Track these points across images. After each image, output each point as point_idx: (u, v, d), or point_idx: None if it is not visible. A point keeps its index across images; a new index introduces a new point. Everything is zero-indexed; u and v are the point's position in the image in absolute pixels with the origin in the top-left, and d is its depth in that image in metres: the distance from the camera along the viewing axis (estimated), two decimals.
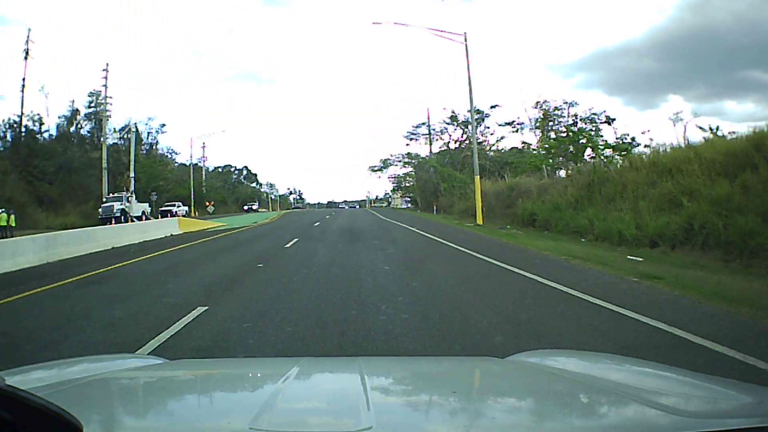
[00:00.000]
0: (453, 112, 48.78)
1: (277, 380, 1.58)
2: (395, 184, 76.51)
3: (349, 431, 1.16)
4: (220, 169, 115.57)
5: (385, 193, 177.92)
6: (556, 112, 40.28)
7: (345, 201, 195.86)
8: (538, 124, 42.81)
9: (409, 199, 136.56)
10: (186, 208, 48.11)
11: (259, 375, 1.94)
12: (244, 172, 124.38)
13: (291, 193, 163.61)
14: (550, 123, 42.04)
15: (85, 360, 2.23)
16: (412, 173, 70.87)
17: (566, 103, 39.45)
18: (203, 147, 64.34)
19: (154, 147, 67.08)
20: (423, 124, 51.53)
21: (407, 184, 74.23)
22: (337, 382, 1.81)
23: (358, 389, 1.49)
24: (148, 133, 63.72)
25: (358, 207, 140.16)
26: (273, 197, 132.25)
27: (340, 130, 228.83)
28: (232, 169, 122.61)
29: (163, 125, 62.84)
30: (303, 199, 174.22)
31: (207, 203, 52.77)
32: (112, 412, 1.44)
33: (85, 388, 1.59)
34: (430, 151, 50.77)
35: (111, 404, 1.51)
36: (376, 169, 55.06)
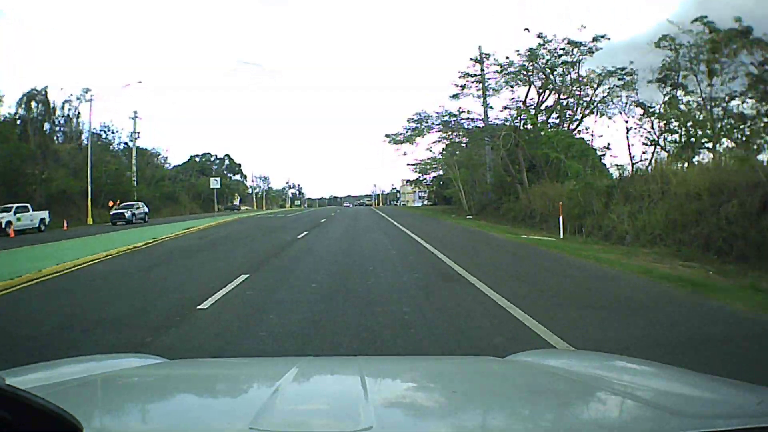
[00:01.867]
0: (541, 36, 24.29)
1: (276, 380, 1.56)
2: (419, 174, 51.98)
3: (349, 431, 1.14)
4: (197, 158, 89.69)
5: (392, 188, 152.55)
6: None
7: (349, 196, 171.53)
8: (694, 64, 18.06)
9: (423, 194, 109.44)
10: (43, 214, 23.99)
11: (258, 375, 1.92)
12: (226, 161, 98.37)
13: (290, 187, 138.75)
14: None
15: (85, 360, 2.18)
16: (438, 159, 45.13)
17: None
18: (135, 118, 41.01)
19: (72, 120, 49.16)
20: (485, 56, 27.06)
21: (434, 173, 49.56)
22: (337, 382, 1.79)
23: (357, 389, 1.49)
24: (66, 101, 46.15)
25: (365, 205, 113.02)
26: (259, 192, 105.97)
27: (346, 119, 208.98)
28: (212, 159, 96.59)
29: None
30: (303, 194, 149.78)
31: (111, 203, 28.61)
32: (112, 412, 1.44)
33: (85, 388, 1.60)
34: (485, 113, 26.67)
35: (111, 404, 1.51)
36: (399, 139, 30.35)
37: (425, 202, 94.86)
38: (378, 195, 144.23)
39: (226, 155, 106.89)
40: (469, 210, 36.27)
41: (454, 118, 30.01)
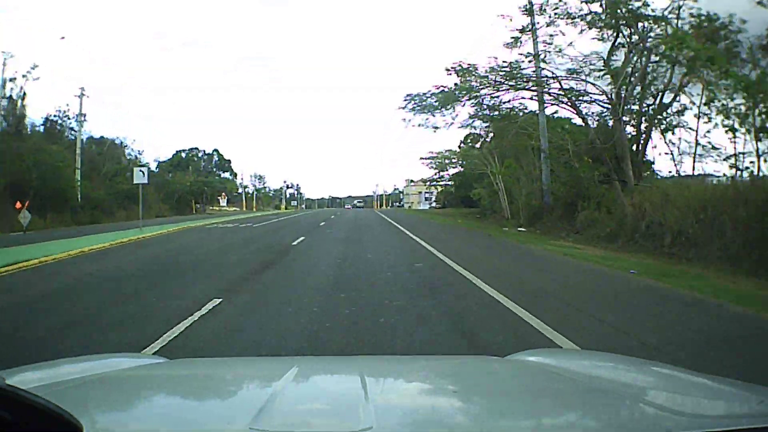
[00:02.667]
0: None
1: (277, 380, 1.59)
2: (436, 170, 42.53)
3: (349, 431, 1.15)
4: (183, 154, 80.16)
5: (395, 189, 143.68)
6: None
7: (349, 196, 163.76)
8: None
9: (430, 194, 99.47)
10: None
11: (258, 375, 1.95)
12: (215, 157, 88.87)
13: (288, 187, 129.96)
14: None
15: (85, 360, 2.19)
16: (456, 152, 37.07)
17: None
18: (81, 96, 31.29)
19: (16, 102, 37.05)
20: None
21: (452, 170, 40.57)
22: (337, 382, 1.81)
23: (357, 389, 1.51)
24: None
25: (356, 207, 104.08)
26: (250, 192, 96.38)
27: (346, 119, 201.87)
28: (200, 155, 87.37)
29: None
30: (301, 194, 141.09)
31: (17, 204, 16.96)
32: (112, 412, 1.48)
33: (85, 388, 1.62)
34: (538, 74, 15.94)
35: (111, 404, 1.54)
36: (431, 104, 19.05)
37: (433, 205, 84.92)
38: (380, 196, 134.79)
39: (215, 150, 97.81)
40: (511, 217, 26.43)
41: (517, 70, 19.70)
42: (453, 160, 44.08)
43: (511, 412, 1.44)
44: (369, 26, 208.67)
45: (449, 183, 52.36)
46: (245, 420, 1.17)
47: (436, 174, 49.42)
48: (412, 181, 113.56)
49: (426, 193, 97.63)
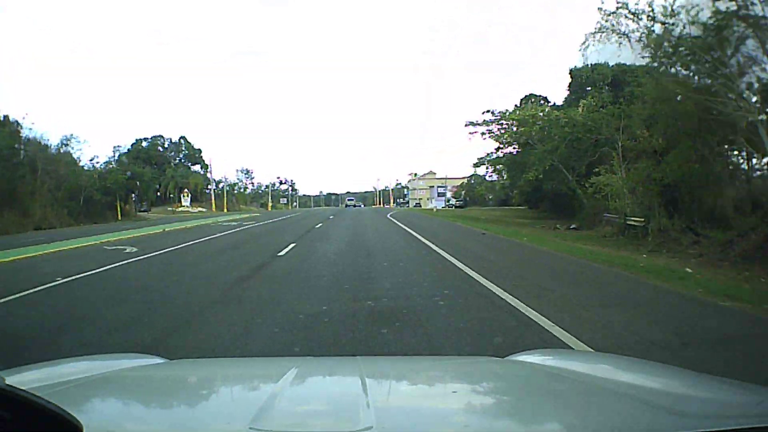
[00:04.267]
0: None
1: (276, 380, 1.59)
2: (501, 143, 22.51)
3: (349, 431, 1.15)
4: (145, 142, 74.57)
5: (397, 184, 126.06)
6: None
7: (348, 192, 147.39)
8: None
9: (444, 189, 79.08)
10: None
11: (258, 375, 1.95)
12: (182, 146, 69.51)
13: (281, 183, 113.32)
14: None
15: (85, 360, 2.18)
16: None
17: None
18: None
19: None
20: None
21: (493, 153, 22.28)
22: (337, 382, 1.82)
23: (357, 389, 1.51)
24: None
25: (349, 206, 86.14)
26: (229, 188, 78.26)
27: (345, 112, 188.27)
28: (166, 145, 68.60)
29: None
30: (296, 190, 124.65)
31: None
32: (112, 412, 1.48)
33: (85, 388, 1.63)
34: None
35: (111, 404, 1.56)
36: None
37: (451, 202, 66.64)
38: (382, 191, 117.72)
39: (182, 138, 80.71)
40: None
41: None
42: (532, 128, 26.69)
43: (511, 413, 1.45)
44: (365, 10, 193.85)
45: (493, 179, 35.07)
46: (245, 420, 1.16)
47: (497, 150, 32.00)
48: (416, 174, 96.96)
49: (440, 187, 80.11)
